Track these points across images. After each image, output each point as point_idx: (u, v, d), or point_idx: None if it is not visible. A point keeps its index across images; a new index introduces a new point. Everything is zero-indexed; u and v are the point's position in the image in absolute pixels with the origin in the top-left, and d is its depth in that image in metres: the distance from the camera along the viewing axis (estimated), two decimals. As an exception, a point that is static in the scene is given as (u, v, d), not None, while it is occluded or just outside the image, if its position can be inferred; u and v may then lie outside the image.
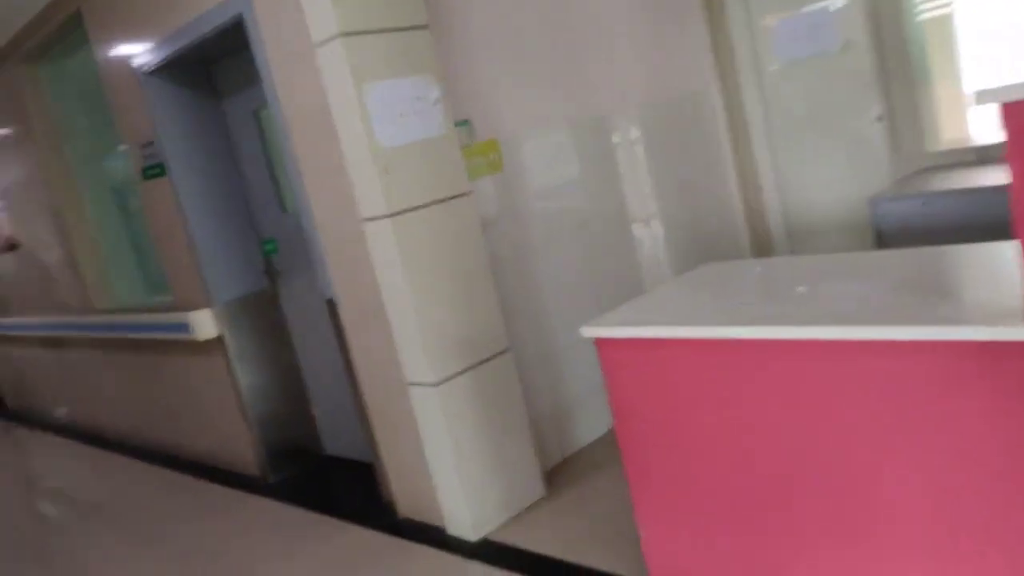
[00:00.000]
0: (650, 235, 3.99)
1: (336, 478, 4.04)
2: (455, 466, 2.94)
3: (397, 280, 2.85)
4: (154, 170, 3.92)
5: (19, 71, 4.77)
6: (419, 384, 2.95)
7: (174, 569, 3.45)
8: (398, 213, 2.79)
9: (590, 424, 3.60)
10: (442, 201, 2.93)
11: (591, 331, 2.26)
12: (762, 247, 4.44)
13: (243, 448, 4.17)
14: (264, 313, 4.09)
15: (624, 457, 2.30)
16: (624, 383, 2.26)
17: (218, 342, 3.97)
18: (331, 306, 3.22)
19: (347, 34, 2.68)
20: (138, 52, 3.67)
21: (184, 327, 4.01)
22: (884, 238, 3.37)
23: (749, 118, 4.46)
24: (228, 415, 4.19)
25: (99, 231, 4.99)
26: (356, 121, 2.73)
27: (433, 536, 3.11)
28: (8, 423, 7.09)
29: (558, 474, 3.37)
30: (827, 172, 4.26)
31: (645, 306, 2.35)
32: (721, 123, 4.40)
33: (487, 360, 3.05)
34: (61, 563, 3.88)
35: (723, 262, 2.71)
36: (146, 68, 3.65)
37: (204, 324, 3.92)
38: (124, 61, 3.80)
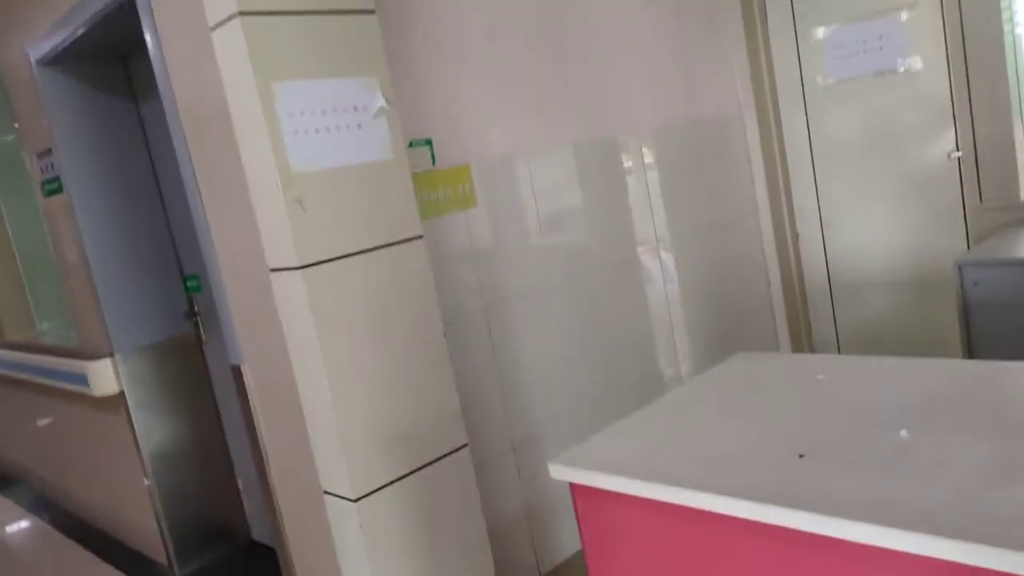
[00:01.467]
0: (662, 291, 3.20)
1: (262, 574, 3.25)
2: (381, 609, 2.15)
3: (310, 356, 2.08)
4: (52, 184, 3.18)
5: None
6: (335, 496, 2.16)
7: None
8: (314, 264, 2.02)
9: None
10: (379, 248, 2.15)
11: (561, 472, 1.48)
12: (797, 310, 3.64)
13: (147, 528, 3.39)
14: (182, 363, 3.32)
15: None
16: (605, 545, 1.48)
17: (120, 398, 3.20)
18: (237, 375, 2.45)
19: (249, 13, 1.92)
20: (31, 37, 2.94)
21: (81, 379, 3.24)
22: (972, 314, 2.56)
23: (789, 148, 3.68)
24: (130, 486, 3.41)
25: (18, 251, 4.25)
26: (260, 135, 1.97)
27: None
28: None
29: (529, 604, 2.58)
30: (884, 218, 3.47)
31: (641, 433, 1.56)
32: (755, 154, 3.62)
33: (435, 461, 2.27)
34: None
35: (759, 355, 1.93)
36: (40, 58, 2.92)
37: (102, 378, 3.15)
38: (15, 48, 3.07)
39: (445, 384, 2.30)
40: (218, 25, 1.98)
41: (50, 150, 3.09)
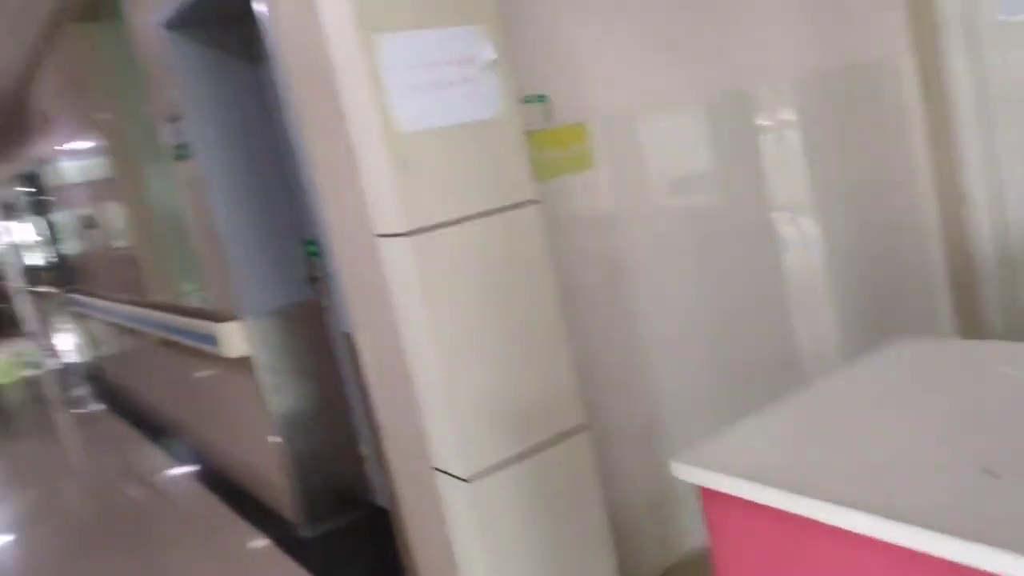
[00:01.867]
0: (802, 263, 2.87)
1: (386, 542, 3.26)
2: (492, 593, 2.04)
3: (418, 327, 1.97)
4: (181, 150, 3.24)
5: (73, 30, 4.26)
6: (446, 474, 2.06)
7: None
8: (421, 231, 1.90)
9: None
10: (491, 213, 2.00)
11: (689, 473, 1.28)
12: (966, 283, 3.18)
13: (278, 486, 3.48)
14: (305, 328, 3.34)
15: None
16: (739, 559, 1.28)
17: (248, 360, 3.27)
18: (349, 343, 2.39)
19: (351, -39, 1.79)
20: (157, 2, 2.97)
21: (212, 340, 3.34)
22: None
23: (954, 97, 3.19)
24: (262, 446, 3.50)
25: (159, 212, 4.44)
26: (363, 91, 1.85)
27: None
28: (105, 395, 6.92)
29: (652, 595, 2.41)
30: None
31: (784, 431, 1.34)
32: (914, 105, 3.16)
33: (552, 442, 2.12)
34: None
35: (925, 340, 1.64)
36: (167, 22, 2.94)
37: (231, 340, 3.22)
38: (145, 14, 3.12)
39: (563, 360, 2.14)
40: (320, -25, 1.86)
41: (179, 115, 3.14)
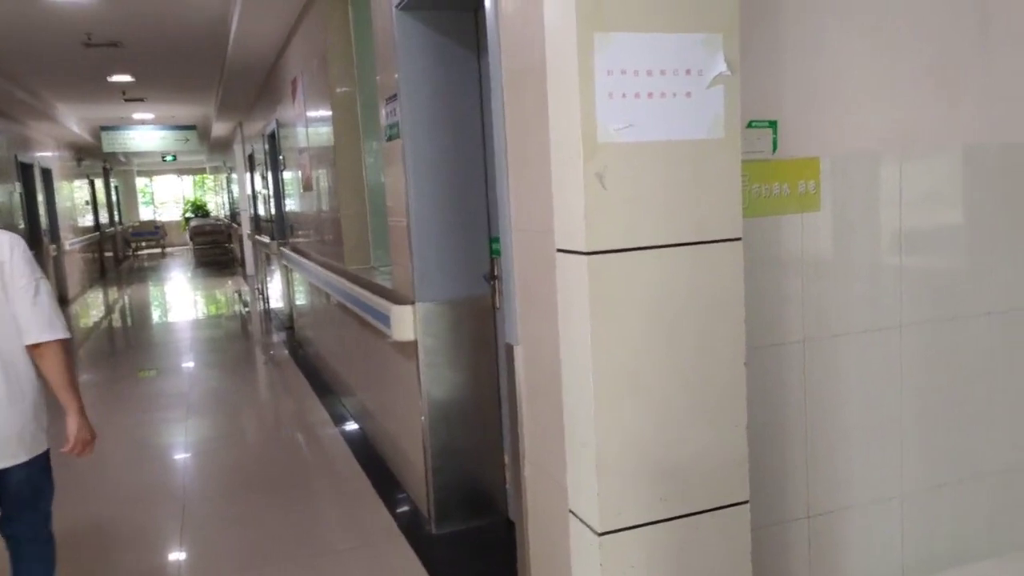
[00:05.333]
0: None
1: (508, 559, 3.13)
2: (605, 665, 1.82)
3: (580, 355, 1.79)
4: (392, 130, 3.29)
5: (325, 3, 4.51)
6: (580, 520, 1.87)
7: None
8: (604, 252, 1.71)
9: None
10: (685, 245, 1.77)
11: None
12: None
13: (418, 473, 3.46)
14: (474, 324, 3.28)
15: None
16: None
17: (414, 345, 3.26)
18: (509, 354, 2.27)
19: (584, -50, 1.64)
20: (395, -17, 3.02)
21: (386, 320, 3.37)
22: None
23: None
24: (411, 430, 3.50)
25: (368, 187, 4.61)
26: (571, 92, 1.69)
27: None
28: (293, 348, 7.42)
29: None
30: None
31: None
32: None
33: (704, 512, 1.86)
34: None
35: None
36: (400, 3, 2.98)
37: (402, 324, 3.22)
38: (386, -5, 3.19)
39: (735, 421, 1.87)
40: (550, -36, 1.73)
41: (396, 95, 3.18)
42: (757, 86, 1.96)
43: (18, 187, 9.80)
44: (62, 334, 2.25)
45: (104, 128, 13.02)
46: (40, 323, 2.21)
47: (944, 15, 2.16)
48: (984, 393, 2.33)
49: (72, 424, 2.33)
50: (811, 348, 2.11)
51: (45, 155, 11.75)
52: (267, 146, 8.36)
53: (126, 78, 8.56)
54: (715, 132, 1.77)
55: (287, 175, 7.30)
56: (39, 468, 2.32)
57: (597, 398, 1.76)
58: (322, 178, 5.28)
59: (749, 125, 1.97)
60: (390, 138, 3.34)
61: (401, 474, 3.84)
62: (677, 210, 1.76)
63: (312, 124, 5.43)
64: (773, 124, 2.00)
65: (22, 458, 2.24)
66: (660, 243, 1.75)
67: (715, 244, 1.80)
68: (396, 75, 3.08)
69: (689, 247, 1.77)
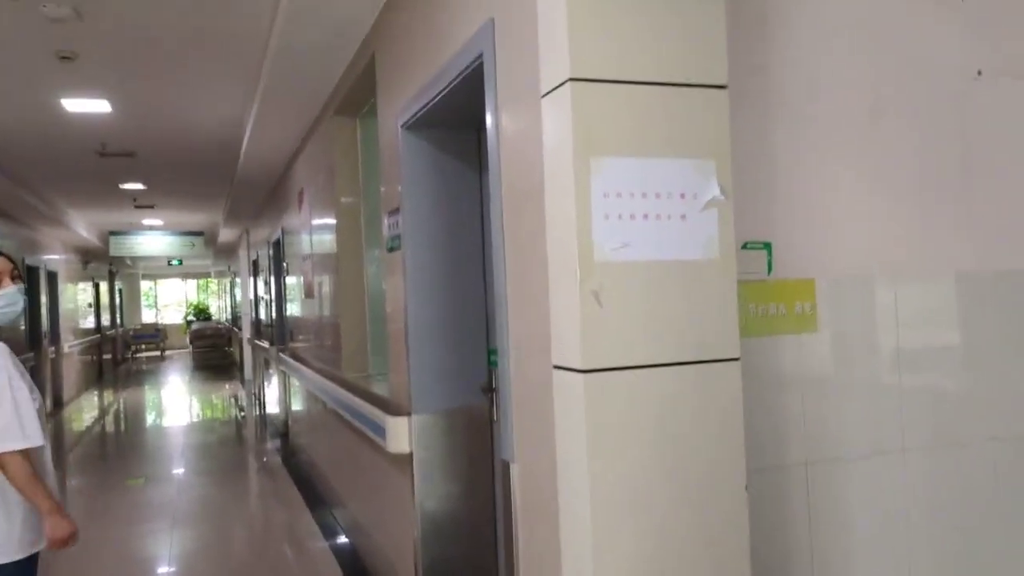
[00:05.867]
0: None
1: None
2: None
3: (577, 476, 1.74)
4: (394, 242, 3.35)
5: (333, 122, 4.69)
6: (577, 654, 1.77)
7: None
8: (600, 370, 1.70)
9: None
10: (683, 364, 1.76)
11: None
12: None
13: (409, 596, 3.30)
14: (470, 436, 3.21)
15: None
16: None
17: (409, 458, 3.19)
18: (505, 471, 2.21)
19: (582, 79, 1.72)
20: (401, 103, 3.15)
21: (381, 431, 3.31)
22: None
23: None
24: (403, 545, 3.37)
25: (368, 295, 4.65)
26: (568, 213, 1.73)
27: None
28: (285, 458, 7.26)
29: None
30: None
31: None
32: None
33: (707, 647, 1.76)
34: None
35: None
36: (404, 123, 3.10)
37: (397, 435, 3.17)
38: (392, 113, 3.32)
39: (737, 548, 1.80)
40: (549, 92, 1.81)
41: (398, 208, 3.25)
42: (752, 208, 2.00)
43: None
44: (13, 444, 2.22)
45: (113, 233, 13.26)
46: None
47: (928, 146, 2.24)
48: (993, 520, 2.25)
49: (46, 525, 2.31)
50: (814, 471, 2.06)
51: (52, 258, 11.92)
52: (271, 252, 8.49)
53: (138, 186, 8.80)
54: (710, 253, 1.79)
55: (290, 281, 7.38)
56: (9, 573, 2.26)
57: (594, 520, 1.70)
58: (324, 285, 5.33)
59: (744, 246, 2.00)
60: (391, 249, 3.40)
61: (392, 596, 3.68)
62: (673, 329, 1.76)
63: (316, 232, 5.53)
64: (768, 246, 2.03)
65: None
66: (657, 362, 1.74)
67: (713, 364, 1.79)
68: (399, 189, 3.17)
69: (686, 366, 1.76)
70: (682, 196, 1.78)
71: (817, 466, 2.06)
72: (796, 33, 2.13)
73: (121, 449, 9.07)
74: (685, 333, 1.76)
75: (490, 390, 3.13)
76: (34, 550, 2.36)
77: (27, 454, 2.25)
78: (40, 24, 3.65)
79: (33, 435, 2.25)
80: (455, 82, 2.53)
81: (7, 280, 2.38)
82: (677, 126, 1.79)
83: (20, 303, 2.40)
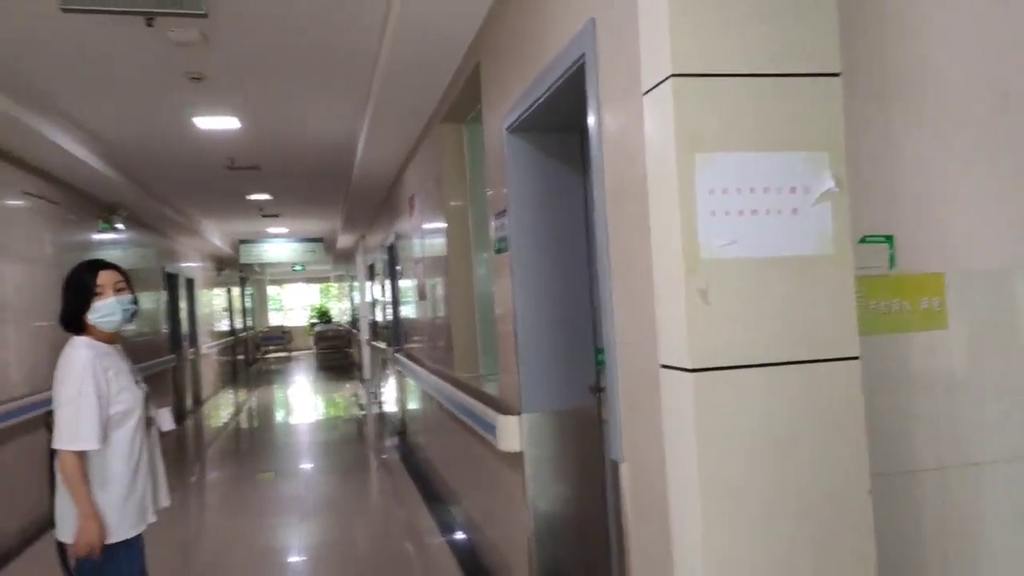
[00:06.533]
0: None
1: None
2: None
3: (686, 477, 1.72)
4: (501, 244, 3.39)
5: (440, 129, 4.80)
6: (690, 659, 1.74)
7: None
8: (709, 368, 1.67)
9: None
10: (797, 363, 1.70)
11: None
12: None
13: (523, 594, 3.34)
14: (581, 438, 3.22)
15: None
16: None
17: (520, 456, 3.23)
18: (615, 471, 2.20)
19: (683, 75, 1.69)
20: (505, 108, 3.19)
21: (492, 429, 3.37)
22: None
23: None
24: (517, 544, 3.41)
25: (478, 297, 4.73)
26: (672, 211, 1.71)
27: None
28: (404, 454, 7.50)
29: None
30: None
31: None
32: None
33: (829, 658, 1.69)
34: None
35: None
36: (509, 126, 3.14)
37: (508, 434, 3.22)
38: (497, 118, 3.37)
39: (860, 554, 1.72)
40: (650, 89, 1.79)
41: (504, 211, 3.30)
42: (871, 201, 1.91)
43: (164, 296, 10.69)
44: (65, 445, 2.38)
45: (242, 241, 14.11)
46: (57, 433, 2.39)
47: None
48: None
49: (78, 527, 2.41)
50: (947, 476, 1.93)
51: (189, 266, 12.81)
52: (386, 256, 8.79)
53: (264, 197, 9.33)
54: (824, 248, 1.72)
55: (403, 284, 7.62)
56: (76, 561, 2.45)
57: (705, 521, 1.67)
58: (435, 287, 5.47)
59: (863, 240, 1.91)
60: (499, 251, 3.45)
61: (506, 592, 3.73)
62: (787, 327, 1.70)
63: (427, 236, 5.69)
64: (889, 239, 1.93)
65: (62, 538, 2.47)
66: (770, 361, 1.69)
67: (830, 363, 1.72)
68: (505, 191, 3.21)
69: (801, 365, 1.70)
70: (792, 190, 1.72)
71: (950, 471, 1.93)
72: (916, 24, 2.01)
73: (253, 444, 9.63)
74: (798, 331, 1.70)
75: (599, 390, 3.12)
76: (135, 532, 2.51)
77: (81, 456, 2.39)
78: (169, 48, 3.94)
79: (87, 439, 2.38)
80: (557, 83, 2.54)
81: (110, 292, 2.52)
82: (787, 118, 1.73)
83: (118, 314, 2.52)
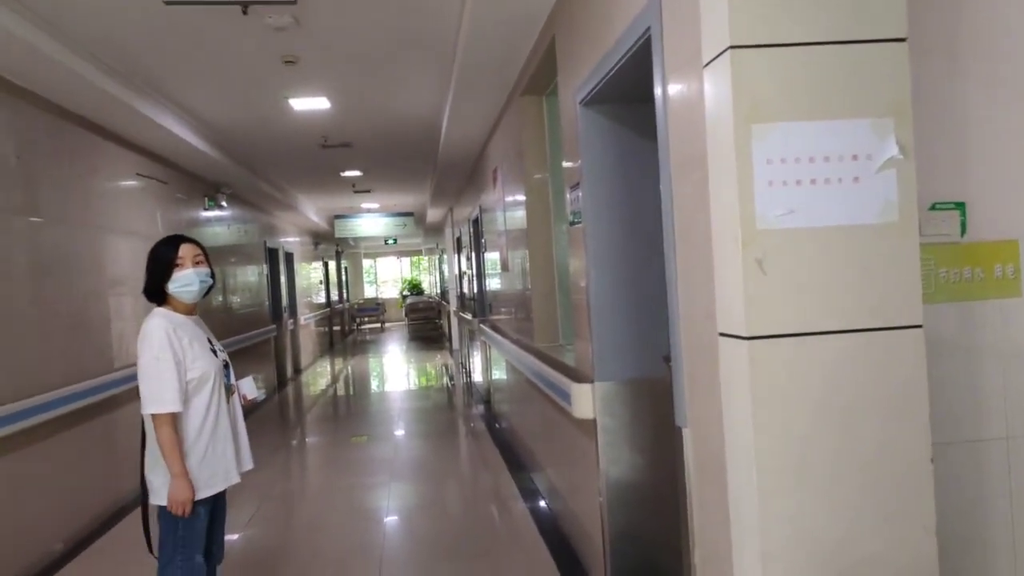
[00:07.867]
0: None
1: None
2: None
3: (743, 443, 1.76)
4: (576, 216, 3.45)
5: (521, 102, 4.87)
6: (745, 616, 1.80)
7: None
8: (765, 337, 1.70)
9: None
10: (857, 331, 1.71)
11: None
12: None
13: (597, 557, 3.44)
14: (653, 407, 3.27)
15: None
16: None
17: (593, 423, 3.32)
18: (678, 436, 2.26)
19: (742, 46, 1.71)
20: (578, 80, 3.23)
21: (567, 397, 3.46)
22: None
23: None
24: (590, 509, 3.51)
25: (557, 268, 4.81)
26: (730, 181, 1.74)
27: None
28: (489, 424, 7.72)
29: None
30: None
31: None
32: None
33: (886, 622, 1.71)
34: None
35: None
36: (582, 99, 3.18)
37: (582, 401, 3.30)
38: (571, 92, 3.41)
39: (922, 524, 1.72)
40: (710, 62, 1.81)
41: (579, 183, 3.36)
42: (940, 168, 1.87)
43: (265, 269, 11.25)
44: (150, 409, 2.53)
45: (337, 216, 14.64)
46: (142, 398, 2.55)
47: None
48: None
49: (171, 486, 2.55)
50: (1016, 446, 1.90)
51: (288, 240, 13.41)
52: (472, 230, 8.96)
53: (356, 173, 9.66)
54: (888, 216, 1.71)
55: (488, 256, 7.77)
56: (159, 516, 2.63)
57: (760, 486, 1.72)
58: (517, 259, 5.58)
59: (933, 207, 1.88)
60: (573, 223, 3.51)
61: (583, 555, 3.84)
62: (846, 295, 1.71)
63: (509, 209, 5.79)
64: (961, 206, 1.89)
65: (154, 500, 2.63)
66: (828, 329, 1.70)
67: (891, 331, 1.72)
68: (579, 163, 3.26)
69: (861, 333, 1.71)
70: (854, 158, 1.71)
71: (1020, 440, 1.90)
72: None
73: (349, 410, 10.09)
74: (857, 300, 1.70)
75: (670, 360, 3.16)
76: (210, 492, 2.64)
77: (172, 418, 2.54)
78: (265, 33, 4.16)
79: (171, 402, 2.52)
80: (626, 56, 2.57)
81: (189, 264, 2.66)
82: (849, 85, 1.72)
83: (195, 284, 2.66)
